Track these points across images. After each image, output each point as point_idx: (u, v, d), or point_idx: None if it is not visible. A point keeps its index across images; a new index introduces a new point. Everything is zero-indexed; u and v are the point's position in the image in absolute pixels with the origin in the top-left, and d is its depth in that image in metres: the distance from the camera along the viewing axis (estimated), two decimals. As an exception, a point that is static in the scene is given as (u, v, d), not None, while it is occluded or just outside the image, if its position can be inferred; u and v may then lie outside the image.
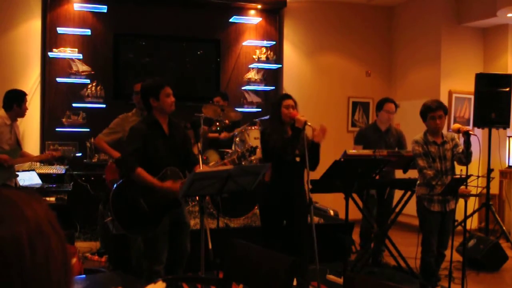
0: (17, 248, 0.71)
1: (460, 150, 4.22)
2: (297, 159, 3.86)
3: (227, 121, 5.62)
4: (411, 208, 4.58)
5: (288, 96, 4.02)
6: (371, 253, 5.13)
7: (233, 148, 5.61)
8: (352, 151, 4.97)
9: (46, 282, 0.74)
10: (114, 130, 4.43)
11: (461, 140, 4.22)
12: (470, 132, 4.00)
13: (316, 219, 5.35)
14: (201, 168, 3.46)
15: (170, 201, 3.43)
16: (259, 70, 7.76)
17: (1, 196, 0.77)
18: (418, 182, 4.30)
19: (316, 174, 3.95)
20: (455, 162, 4.29)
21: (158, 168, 3.47)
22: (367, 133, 5.32)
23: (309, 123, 3.80)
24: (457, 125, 4.24)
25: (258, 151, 4.37)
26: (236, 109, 6.59)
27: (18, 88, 4.98)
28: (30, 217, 0.75)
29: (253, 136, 5.51)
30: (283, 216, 3.94)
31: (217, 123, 5.58)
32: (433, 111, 4.17)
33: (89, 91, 6.94)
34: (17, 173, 4.89)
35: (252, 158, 4.35)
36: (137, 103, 4.37)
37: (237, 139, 5.60)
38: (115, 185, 3.54)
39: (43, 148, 6.73)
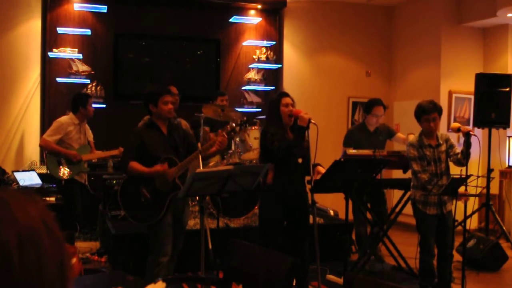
0: (3, 253, 0.69)
1: (457, 151, 4.15)
2: (299, 160, 3.79)
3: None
4: (411, 208, 4.58)
5: (286, 94, 3.87)
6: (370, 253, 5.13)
7: (233, 148, 5.61)
8: (352, 151, 4.97)
9: (38, 284, 0.72)
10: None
11: (460, 140, 4.19)
12: (471, 133, 3.97)
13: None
14: (201, 168, 3.46)
15: (169, 185, 3.56)
16: (259, 70, 7.76)
17: None
18: (412, 184, 4.26)
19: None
20: (451, 163, 4.22)
21: (157, 162, 3.59)
22: (354, 134, 5.35)
23: (313, 121, 3.69)
24: (456, 124, 4.15)
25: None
26: (236, 109, 6.59)
27: (82, 92, 5.86)
28: (21, 219, 0.73)
29: (253, 136, 5.50)
30: (283, 218, 3.86)
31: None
32: (427, 114, 4.06)
33: (89, 91, 6.93)
34: (86, 167, 5.32)
35: (246, 132, 4.39)
36: None
37: (237, 139, 5.60)
38: (121, 182, 3.82)
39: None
